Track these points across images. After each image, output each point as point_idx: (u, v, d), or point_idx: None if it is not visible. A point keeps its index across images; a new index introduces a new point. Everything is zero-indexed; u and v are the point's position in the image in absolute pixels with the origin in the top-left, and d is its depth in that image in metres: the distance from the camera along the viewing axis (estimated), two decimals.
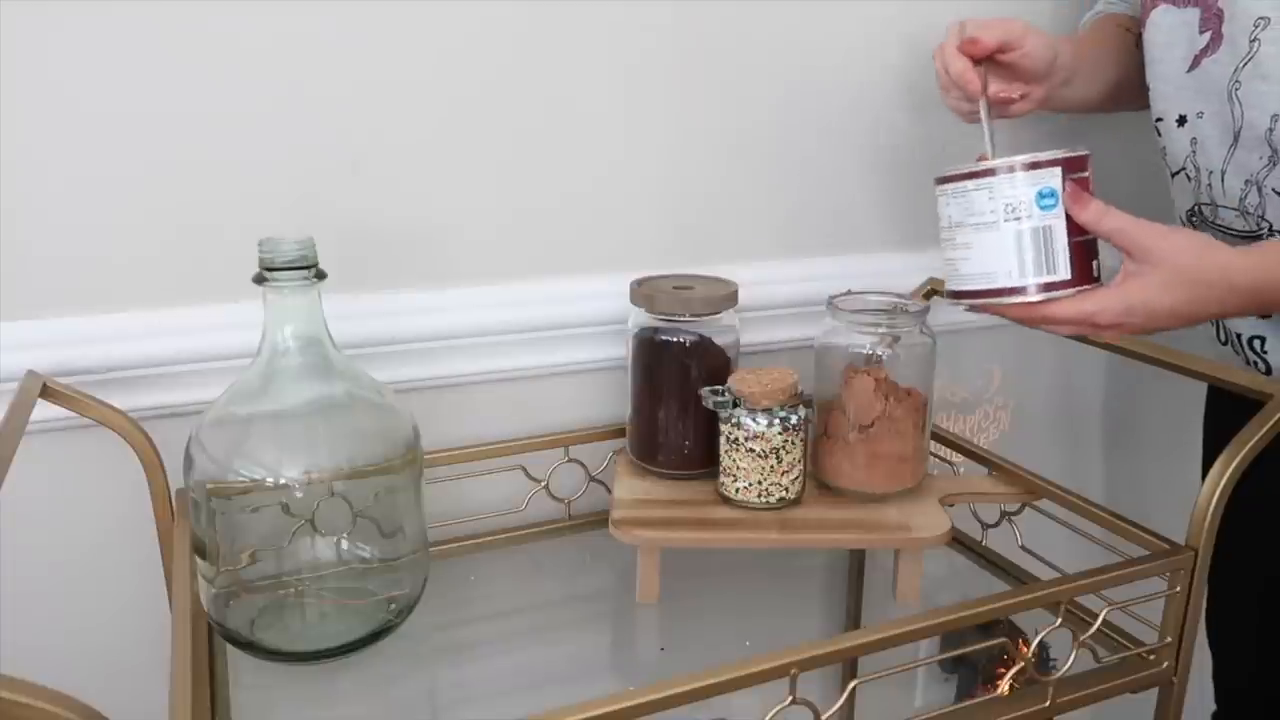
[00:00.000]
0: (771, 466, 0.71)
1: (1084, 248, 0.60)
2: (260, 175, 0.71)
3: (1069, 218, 0.59)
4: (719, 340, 0.76)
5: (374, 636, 0.63)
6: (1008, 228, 0.60)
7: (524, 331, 0.81)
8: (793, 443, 0.71)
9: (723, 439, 0.72)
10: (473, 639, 0.72)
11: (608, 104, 0.80)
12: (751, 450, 0.70)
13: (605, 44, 0.79)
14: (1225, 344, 0.79)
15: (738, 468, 0.71)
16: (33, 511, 0.70)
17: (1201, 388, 0.89)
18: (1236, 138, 0.69)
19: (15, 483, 0.51)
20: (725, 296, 0.75)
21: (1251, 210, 0.70)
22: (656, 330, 0.76)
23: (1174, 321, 0.61)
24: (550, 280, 0.82)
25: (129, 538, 0.72)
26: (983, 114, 0.68)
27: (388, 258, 0.76)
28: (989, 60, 0.70)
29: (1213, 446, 0.89)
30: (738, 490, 0.72)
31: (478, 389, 0.82)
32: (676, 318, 0.75)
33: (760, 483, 0.71)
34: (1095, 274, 0.61)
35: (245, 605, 0.63)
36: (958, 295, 0.64)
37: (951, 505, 0.74)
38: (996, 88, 0.71)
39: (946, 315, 0.92)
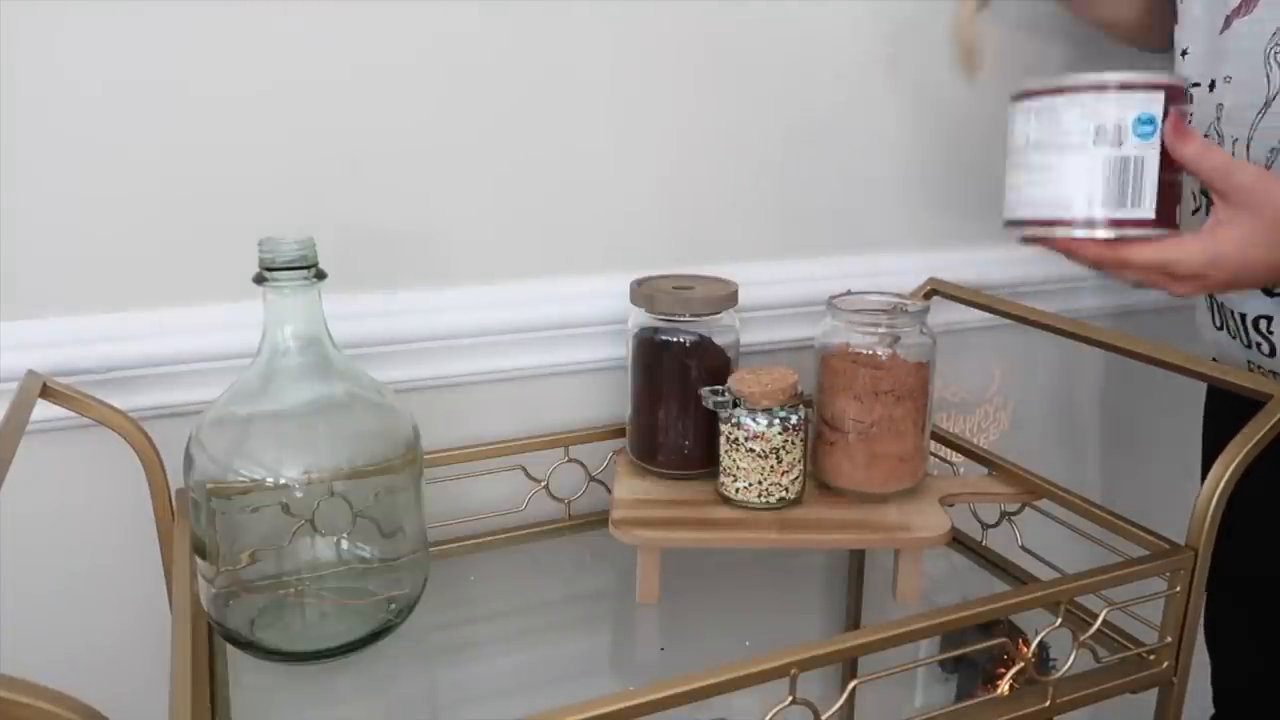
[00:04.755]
0: (771, 466, 0.71)
1: (1172, 188, 0.55)
2: (260, 175, 0.71)
3: (1164, 151, 0.54)
4: (719, 340, 0.76)
5: (374, 636, 0.63)
6: (1097, 152, 0.54)
7: (524, 331, 0.81)
8: (793, 443, 0.71)
9: (723, 439, 0.72)
10: (473, 639, 0.72)
11: (608, 103, 0.80)
12: (751, 450, 0.70)
13: (605, 43, 0.79)
14: (1221, 328, 0.76)
15: (738, 468, 0.71)
16: (33, 511, 0.70)
17: (1201, 388, 0.89)
18: (1268, 103, 0.66)
19: (15, 483, 0.51)
20: (725, 296, 0.75)
21: None
22: (656, 330, 0.75)
23: (1269, 275, 0.56)
24: (550, 280, 0.82)
25: (129, 538, 0.72)
26: None
27: (388, 258, 0.76)
28: None
29: (1212, 446, 0.88)
30: (738, 490, 0.72)
31: (478, 389, 0.82)
32: (676, 318, 0.75)
33: (760, 483, 0.71)
34: (1177, 220, 0.56)
35: (245, 605, 0.63)
36: (1020, 224, 0.58)
37: (951, 505, 0.74)
38: None
39: (946, 315, 0.92)
